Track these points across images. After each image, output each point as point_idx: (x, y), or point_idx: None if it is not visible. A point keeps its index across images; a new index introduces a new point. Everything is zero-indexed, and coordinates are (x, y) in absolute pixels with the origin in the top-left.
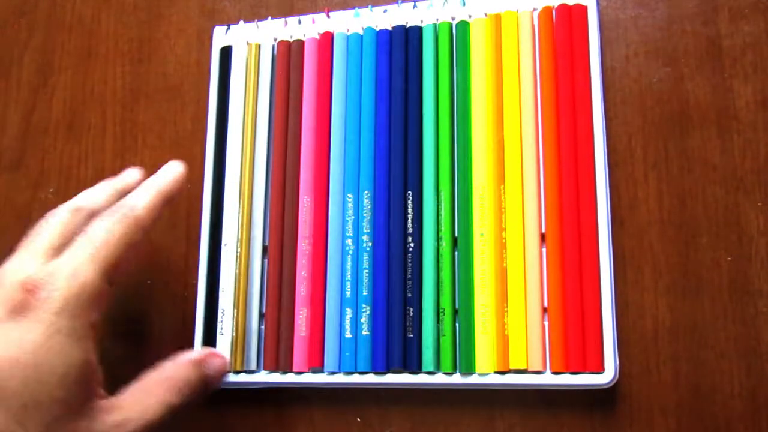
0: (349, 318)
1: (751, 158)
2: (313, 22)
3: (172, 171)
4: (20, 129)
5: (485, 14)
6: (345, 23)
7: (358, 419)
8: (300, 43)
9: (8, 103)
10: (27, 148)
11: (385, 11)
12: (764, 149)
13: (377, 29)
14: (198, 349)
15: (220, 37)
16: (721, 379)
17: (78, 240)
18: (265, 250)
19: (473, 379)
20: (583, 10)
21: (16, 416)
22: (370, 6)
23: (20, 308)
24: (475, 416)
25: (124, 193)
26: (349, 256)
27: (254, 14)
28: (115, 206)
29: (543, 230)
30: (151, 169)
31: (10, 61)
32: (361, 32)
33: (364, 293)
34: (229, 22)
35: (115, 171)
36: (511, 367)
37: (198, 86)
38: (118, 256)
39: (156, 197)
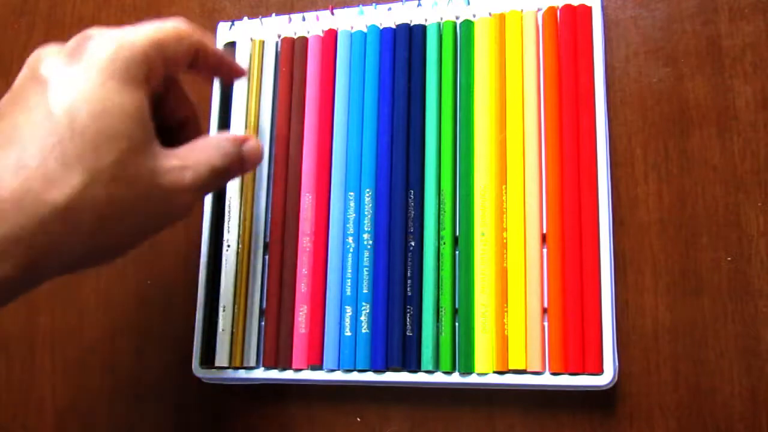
0: (349, 316)
1: (751, 158)
2: (318, 19)
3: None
4: None
5: (489, 14)
6: (349, 21)
7: (358, 419)
8: (303, 40)
9: None
10: None
11: (390, 9)
12: (764, 149)
13: (381, 27)
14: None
15: (224, 33)
16: (721, 379)
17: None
18: (266, 246)
19: (472, 379)
20: (587, 10)
21: (90, 144)
22: (374, 4)
23: (77, 52)
24: (475, 416)
25: None
26: (350, 254)
27: (254, 13)
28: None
29: (544, 230)
30: None
31: (10, 61)
32: (365, 30)
33: (365, 291)
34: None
35: None
36: (511, 367)
37: (198, 86)
38: (168, 42)
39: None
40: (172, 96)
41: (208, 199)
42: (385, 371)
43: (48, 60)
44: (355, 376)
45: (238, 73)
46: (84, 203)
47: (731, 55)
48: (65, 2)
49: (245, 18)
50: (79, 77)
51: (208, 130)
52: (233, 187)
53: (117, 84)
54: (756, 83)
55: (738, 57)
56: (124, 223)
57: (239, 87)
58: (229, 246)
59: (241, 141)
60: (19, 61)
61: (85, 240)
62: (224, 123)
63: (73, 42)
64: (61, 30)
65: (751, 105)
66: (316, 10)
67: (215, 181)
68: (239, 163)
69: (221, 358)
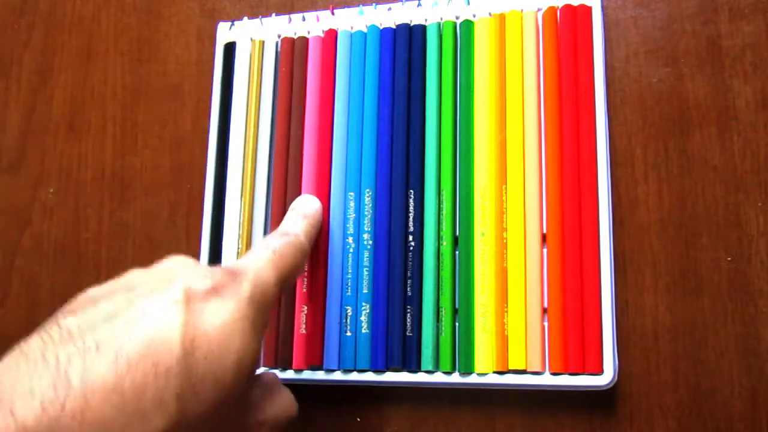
0: (349, 316)
1: (751, 158)
2: (318, 19)
3: (315, 206)
4: (20, 129)
5: (489, 14)
6: (349, 21)
7: (358, 419)
8: (304, 40)
9: (8, 103)
10: (27, 148)
11: (390, 9)
12: (764, 149)
13: (381, 27)
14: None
15: (224, 33)
16: (721, 379)
17: (257, 247)
18: None
19: (472, 379)
20: (587, 10)
21: (194, 386)
22: (374, 4)
23: (221, 288)
24: (475, 416)
25: None
26: (350, 254)
27: (254, 13)
28: (281, 230)
29: (544, 230)
30: (151, 170)
31: (10, 61)
32: (365, 30)
33: (365, 291)
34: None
35: (115, 171)
36: (510, 367)
37: (198, 86)
38: (289, 271)
39: (311, 229)
40: None
41: (208, 201)
42: (385, 371)
43: (191, 283)
44: (355, 376)
45: None
46: None
47: (731, 55)
48: (65, 2)
49: (245, 18)
50: (214, 315)
51: (208, 131)
52: (233, 188)
53: (246, 325)
54: (756, 83)
55: (738, 57)
56: None
57: (239, 87)
58: (229, 246)
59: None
60: (19, 61)
61: None
62: (224, 123)
63: (221, 275)
64: (61, 30)
65: (751, 105)
66: (316, 10)
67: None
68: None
69: None
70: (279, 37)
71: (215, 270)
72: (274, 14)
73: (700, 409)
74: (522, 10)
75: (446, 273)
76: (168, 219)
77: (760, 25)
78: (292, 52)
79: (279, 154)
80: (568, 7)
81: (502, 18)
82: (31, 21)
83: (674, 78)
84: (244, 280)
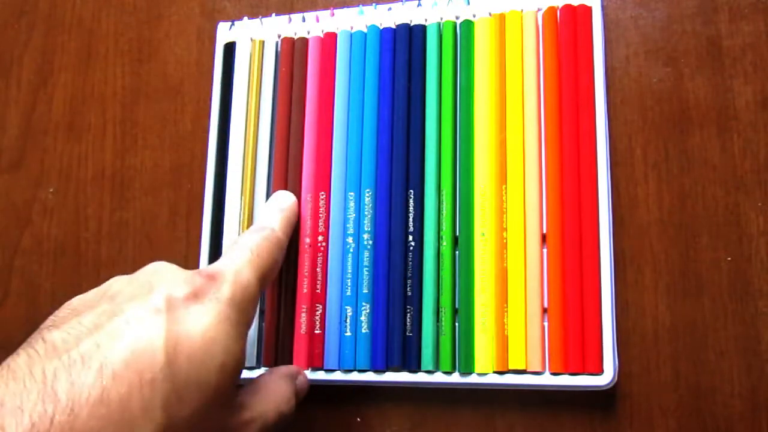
0: (349, 316)
1: (751, 158)
2: (317, 20)
3: (290, 200)
4: (20, 129)
5: (489, 14)
6: (349, 21)
7: (358, 419)
8: (304, 41)
9: (8, 102)
10: (27, 148)
11: (390, 9)
12: (764, 149)
13: (381, 27)
14: (287, 366)
15: (224, 33)
16: (721, 379)
17: (234, 247)
18: None
19: (472, 379)
20: (587, 10)
21: (178, 392)
22: (374, 4)
23: (200, 293)
24: (475, 416)
25: None
26: (350, 254)
27: (254, 13)
28: (257, 225)
29: (544, 230)
30: (151, 171)
31: (10, 61)
32: (365, 30)
33: (365, 291)
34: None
35: (115, 171)
36: (510, 367)
37: (198, 86)
38: (269, 268)
39: (287, 223)
40: None
41: (208, 201)
42: (385, 371)
43: (172, 290)
44: (355, 376)
45: None
46: None
47: (731, 55)
48: (65, 2)
49: (245, 18)
50: (196, 320)
51: (208, 131)
52: (233, 188)
53: (228, 328)
54: (756, 83)
55: (738, 57)
56: None
57: (239, 87)
58: (227, 240)
59: (295, 375)
60: (19, 61)
61: None
62: (224, 123)
63: (199, 279)
64: (61, 30)
65: (751, 105)
66: (316, 11)
67: (282, 424)
68: (295, 401)
69: None
70: (279, 37)
71: (195, 275)
72: (274, 14)
73: (700, 409)
74: (522, 10)
75: (446, 273)
76: (168, 219)
77: (760, 25)
78: (292, 52)
79: (279, 153)
80: (568, 7)
81: (502, 18)
82: (31, 21)
83: (674, 78)
84: (223, 282)
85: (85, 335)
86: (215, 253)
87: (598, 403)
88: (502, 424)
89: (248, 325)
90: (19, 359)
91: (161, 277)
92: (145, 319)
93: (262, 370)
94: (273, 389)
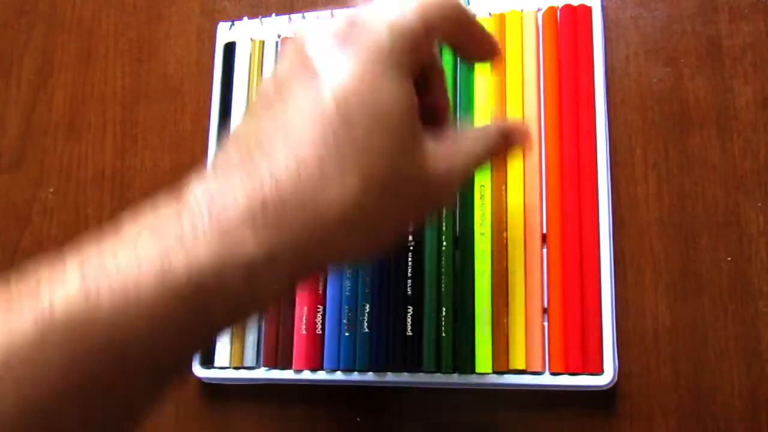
0: (348, 316)
1: (751, 158)
2: (317, 19)
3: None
4: (20, 129)
5: (489, 14)
6: None
7: (358, 419)
8: None
9: (8, 103)
10: (27, 148)
11: None
12: (764, 149)
13: None
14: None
15: (224, 33)
16: (721, 379)
17: None
18: None
19: (472, 379)
20: (587, 10)
21: (365, 141)
22: None
23: (348, 38)
24: (476, 416)
25: None
26: None
27: (254, 13)
28: None
29: (544, 230)
30: (151, 171)
31: (10, 61)
32: None
33: (365, 291)
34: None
35: (115, 171)
36: (510, 367)
37: (198, 86)
38: (437, 21)
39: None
40: (432, 79)
41: None
42: (385, 371)
43: (316, 45)
44: (355, 376)
45: (494, 51)
46: (357, 212)
47: (731, 55)
48: (65, 2)
49: (245, 18)
50: (351, 66)
51: (208, 131)
52: None
53: (390, 74)
54: (756, 83)
55: (738, 57)
56: (393, 224)
57: (239, 87)
58: None
59: (511, 131)
60: (19, 61)
61: (354, 245)
62: (224, 122)
63: (342, 24)
64: (62, 30)
65: (751, 105)
66: (315, 10)
67: (477, 168)
68: (504, 142)
69: (221, 357)
70: (279, 37)
71: (341, 21)
72: (274, 14)
73: (700, 409)
74: (522, 10)
75: (447, 273)
76: None
77: (760, 25)
78: None
79: None
80: (568, 7)
81: (502, 18)
82: (32, 21)
83: (674, 78)
84: (375, 22)
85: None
86: None
87: (598, 403)
88: (502, 424)
89: (414, 71)
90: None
91: (311, 34)
92: (303, 80)
93: (262, 371)
94: (472, 135)
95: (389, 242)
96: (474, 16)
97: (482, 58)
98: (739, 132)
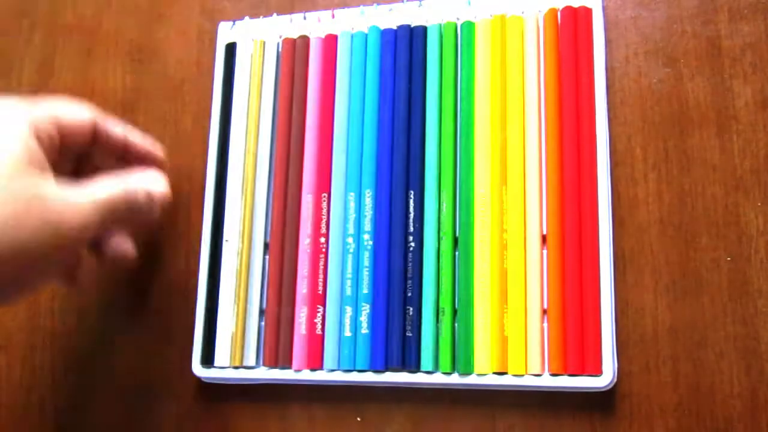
0: (348, 316)
1: (750, 158)
2: (319, 20)
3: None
4: None
5: (491, 15)
6: (350, 21)
7: (358, 419)
8: (305, 40)
9: None
10: None
11: (391, 10)
12: (764, 149)
13: (382, 28)
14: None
15: (225, 33)
16: (720, 379)
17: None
18: (266, 246)
19: (471, 380)
20: (588, 12)
21: None
22: (375, 4)
23: None
24: (475, 416)
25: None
26: (350, 254)
27: (255, 13)
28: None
29: (544, 231)
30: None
31: (10, 61)
32: (365, 31)
33: (364, 291)
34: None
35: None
36: (510, 369)
37: (198, 86)
38: (62, 113)
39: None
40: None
41: (209, 200)
42: (385, 371)
43: None
44: (355, 377)
45: (152, 159)
46: None
47: (731, 55)
48: (66, 2)
49: (246, 18)
50: None
51: (208, 131)
52: (234, 187)
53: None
54: (756, 83)
55: (738, 57)
56: (12, 241)
57: (240, 87)
58: (227, 240)
59: (146, 180)
60: (20, 61)
61: None
62: (224, 122)
63: None
64: (62, 30)
65: (751, 105)
66: (317, 11)
67: (112, 207)
68: (147, 205)
69: (221, 357)
70: (280, 37)
71: None
72: (275, 14)
73: (700, 409)
74: (523, 12)
75: (446, 273)
76: (168, 219)
77: (760, 25)
78: (294, 52)
79: (280, 154)
80: (568, 9)
81: (503, 19)
82: (32, 21)
83: (674, 78)
84: None
85: None
86: (215, 253)
87: (598, 403)
88: (502, 424)
89: (37, 134)
90: None
91: None
92: None
93: (262, 370)
94: (105, 182)
95: (12, 272)
96: (112, 125)
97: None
98: (738, 132)
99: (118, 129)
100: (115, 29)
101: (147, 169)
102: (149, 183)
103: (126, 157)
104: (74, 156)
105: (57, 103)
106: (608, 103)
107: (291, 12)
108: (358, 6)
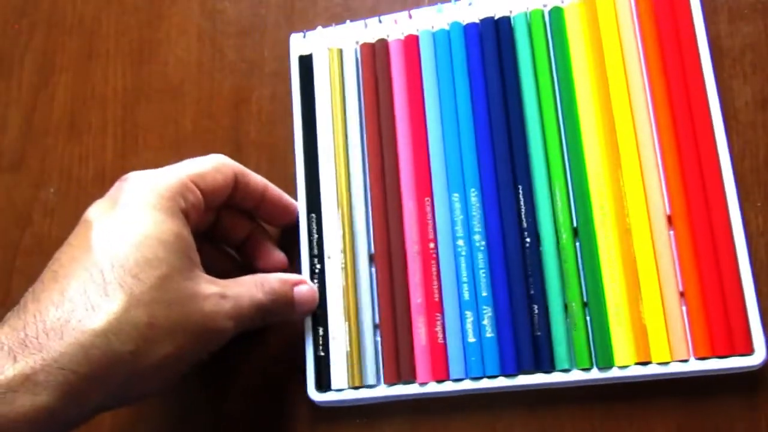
0: (470, 321)
1: (750, 158)
2: (396, 22)
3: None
4: (21, 129)
5: None
6: (428, 21)
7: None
8: (384, 44)
9: (9, 103)
10: (28, 148)
11: (470, 4)
12: (763, 149)
13: (464, 24)
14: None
15: (298, 44)
16: None
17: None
18: (371, 258)
19: (613, 373)
20: None
21: (131, 270)
22: (452, 0)
23: (115, 194)
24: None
25: None
26: (462, 257)
27: (254, 14)
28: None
29: (668, 212)
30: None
31: (11, 61)
32: (446, 28)
33: (484, 294)
34: (229, 23)
35: (115, 171)
36: (653, 356)
37: (199, 86)
38: (206, 172)
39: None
40: (225, 221)
41: (303, 219)
42: (518, 375)
43: (93, 207)
44: (485, 384)
45: (288, 208)
46: (124, 326)
47: (731, 55)
48: (66, 2)
49: (319, 27)
50: (118, 214)
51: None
52: (329, 203)
53: (153, 216)
54: (756, 83)
55: (737, 57)
56: (165, 346)
57: (321, 100)
58: (329, 257)
59: (293, 283)
60: (20, 61)
61: (126, 364)
62: (309, 137)
63: (113, 188)
64: (62, 31)
65: (750, 105)
66: (316, 10)
67: (257, 315)
68: (288, 305)
69: (338, 379)
70: (357, 43)
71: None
72: (348, 21)
73: None
74: None
75: (570, 266)
76: None
77: (760, 25)
78: (374, 57)
79: (373, 162)
80: None
81: (592, 3)
82: (32, 21)
83: None
84: (140, 176)
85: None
86: (317, 268)
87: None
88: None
89: (183, 210)
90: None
91: (95, 203)
92: (78, 234)
93: (383, 388)
94: (253, 279)
95: (162, 373)
96: (252, 175)
97: (277, 221)
98: (738, 132)
99: (258, 180)
100: (116, 29)
101: (297, 278)
102: (301, 296)
103: (261, 206)
104: (214, 210)
105: (200, 163)
106: (715, 69)
107: (292, 13)
108: (435, 4)
